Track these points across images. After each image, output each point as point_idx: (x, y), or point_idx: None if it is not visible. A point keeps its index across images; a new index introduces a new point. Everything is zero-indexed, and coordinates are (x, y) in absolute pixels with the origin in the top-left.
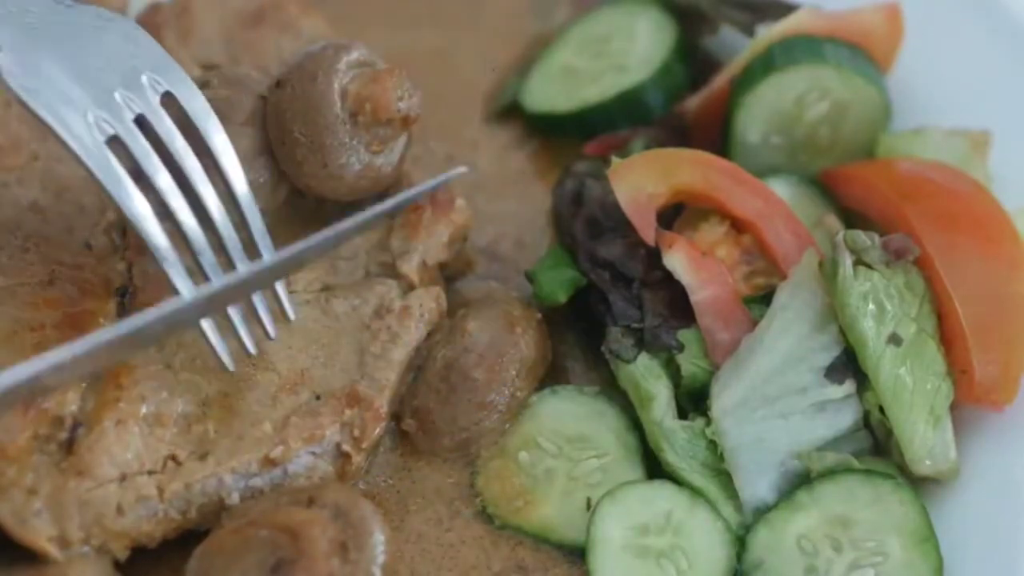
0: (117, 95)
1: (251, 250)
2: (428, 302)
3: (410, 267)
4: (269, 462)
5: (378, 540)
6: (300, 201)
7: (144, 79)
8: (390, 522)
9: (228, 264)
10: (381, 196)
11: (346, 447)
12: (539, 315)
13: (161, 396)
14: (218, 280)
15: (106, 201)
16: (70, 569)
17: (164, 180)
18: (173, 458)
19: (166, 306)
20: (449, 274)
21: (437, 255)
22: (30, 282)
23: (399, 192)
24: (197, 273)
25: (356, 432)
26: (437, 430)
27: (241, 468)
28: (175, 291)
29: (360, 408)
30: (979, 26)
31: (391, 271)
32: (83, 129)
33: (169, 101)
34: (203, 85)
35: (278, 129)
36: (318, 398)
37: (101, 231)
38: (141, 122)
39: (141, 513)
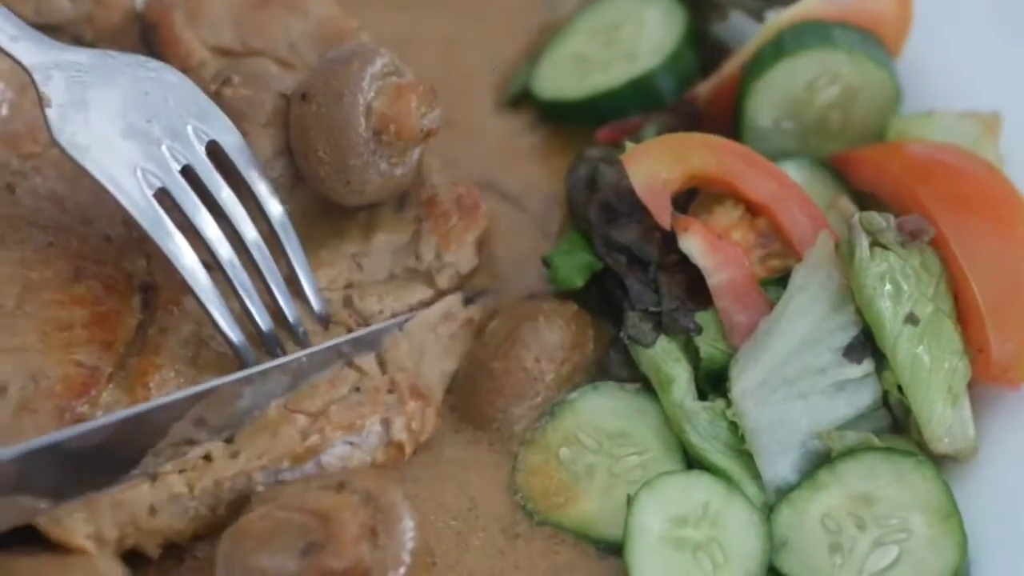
0: (164, 148)
1: (297, 295)
2: (479, 318)
3: (445, 280)
4: (301, 456)
5: (407, 526)
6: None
7: (189, 129)
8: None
9: (275, 309)
10: (400, 196)
11: (401, 437)
12: (575, 306)
13: None
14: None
15: None
16: (94, 558)
17: (212, 231)
18: (204, 456)
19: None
20: (477, 286)
21: (469, 264)
22: (55, 279)
23: (418, 190)
24: (244, 318)
25: (415, 425)
26: (468, 427)
27: (272, 465)
28: (223, 339)
29: (423, 402)
30: (989, 8)
31: (420, 276)
32: (133, 184)
33: (214, 147)
34: (224, 82)
35: (302, 145)
36: (358, 390)
37: (119, 222)
38: (188, 171)
39: (173, 511)
